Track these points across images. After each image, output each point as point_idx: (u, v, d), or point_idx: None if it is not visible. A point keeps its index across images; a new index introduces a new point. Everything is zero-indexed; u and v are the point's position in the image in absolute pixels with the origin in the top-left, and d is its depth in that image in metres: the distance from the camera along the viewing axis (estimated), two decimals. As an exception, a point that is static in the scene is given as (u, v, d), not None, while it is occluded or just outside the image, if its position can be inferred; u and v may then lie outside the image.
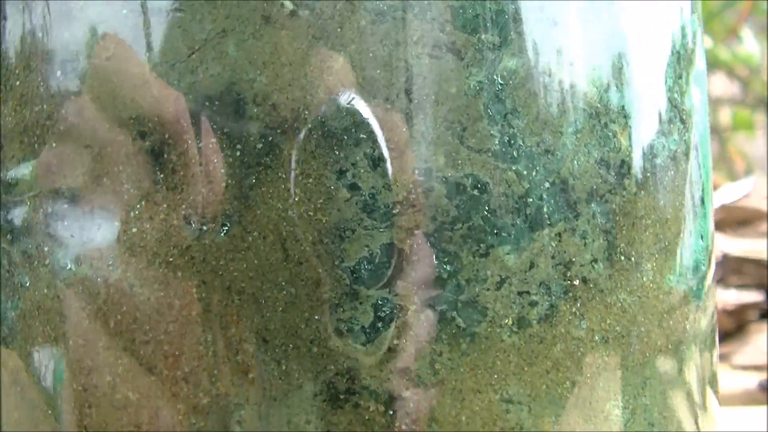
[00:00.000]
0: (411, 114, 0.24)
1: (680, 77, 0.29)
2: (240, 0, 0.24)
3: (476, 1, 0.24)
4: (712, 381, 0.30)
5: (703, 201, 0.30)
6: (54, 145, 0.25)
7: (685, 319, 0.28)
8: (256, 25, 0.24)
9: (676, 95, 0.28)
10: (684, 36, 0.29)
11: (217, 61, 0.24)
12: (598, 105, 0.26)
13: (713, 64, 1.16)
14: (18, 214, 0.26)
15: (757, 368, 0.67)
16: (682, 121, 0.29)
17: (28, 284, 0.26)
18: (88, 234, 0.25)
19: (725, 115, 1.30)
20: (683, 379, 0.28)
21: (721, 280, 0.76)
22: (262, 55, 0.24)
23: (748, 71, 1.20)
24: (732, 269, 0.75)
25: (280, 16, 0.24)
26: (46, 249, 0.25)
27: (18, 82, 0.26)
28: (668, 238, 0.28)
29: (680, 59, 0.29)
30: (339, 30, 0.24)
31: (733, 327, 0.70)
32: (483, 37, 0.24)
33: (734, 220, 0.81)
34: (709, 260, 0.30)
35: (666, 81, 0.28)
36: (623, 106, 0.26)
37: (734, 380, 0.65)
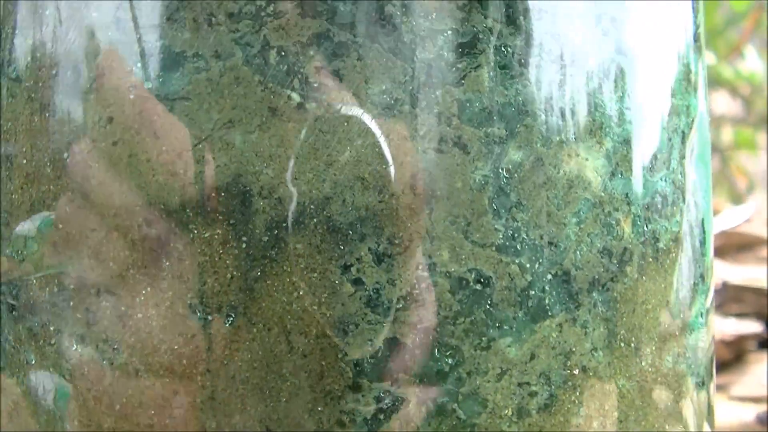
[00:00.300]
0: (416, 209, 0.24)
1: (683, 157, 0.29)
2: (247, 91, 0.24)
3: (483, 94, 0.24)
4: (709, 415, 0.31)
5: (703, 278, 0.30)
6: (61, 226, 0.25)
7: (683, 398, 0.29)
8: (263, 117, 0.24)
9: (679, 176, 0.28)
10: (689, 115, 0.29)
11: (224, 152, 0.24)
12: (602, 194, 0.26)
13: (716, 81, 1.16)
14: (24, 292, 0.26)
15: (755, 400, 0.67)
16: (685, 201, 0.29)
17: (33, 362, 0.26)
18: (94, 316, 0.25)
19: (727, 134, 1.30)
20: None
21: (720, 307, 0.76)
22: (269, 147, 0.24)
23: (750, 89, 1.20)
24: (731, 297, 0.75)
25: (287, 108, 0.24)
26: (51, 328, 0.26)
27: (24, 161, 0.26)
28: (668, 321, 0.28)
29: (684, 138, 0.29)
30: (346, 123, 0.24)
31: (732, 357, 0.71)
32: (489, 130, 0.24)
33: (734, 245, 0.81)
34: (709, 337, 0.30)
35: (670, 163, 0.28)
36: (627, 194, 0.27)
37: (731, 412, 0.66)
